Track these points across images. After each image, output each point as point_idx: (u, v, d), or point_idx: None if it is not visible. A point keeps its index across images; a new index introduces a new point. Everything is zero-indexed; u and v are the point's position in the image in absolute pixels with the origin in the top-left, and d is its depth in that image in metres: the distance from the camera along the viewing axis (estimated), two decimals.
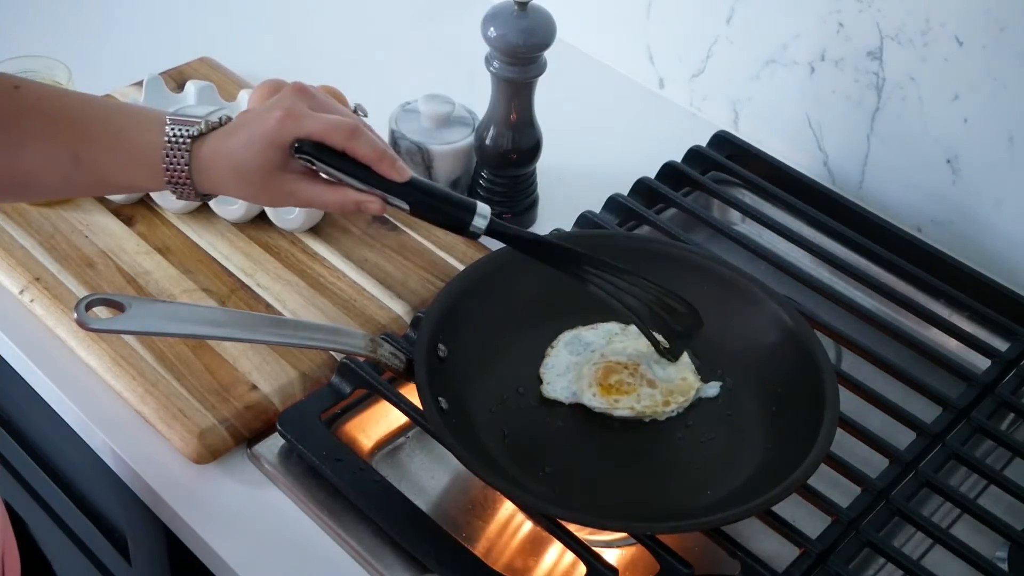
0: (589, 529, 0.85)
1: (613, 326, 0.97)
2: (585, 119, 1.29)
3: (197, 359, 0.94)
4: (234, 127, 0.81)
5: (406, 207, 0.82)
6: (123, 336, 0.94)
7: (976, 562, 0.86)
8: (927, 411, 0.96)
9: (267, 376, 0.94)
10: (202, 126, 0.80)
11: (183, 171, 0.80)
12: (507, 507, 0.89)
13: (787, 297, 0.98)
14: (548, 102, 1.10)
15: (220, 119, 0.81)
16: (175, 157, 0.79)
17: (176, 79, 1.20)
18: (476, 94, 1.13)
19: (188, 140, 0.79)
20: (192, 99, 1.14)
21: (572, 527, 0.83)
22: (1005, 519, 0.89)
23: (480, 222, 0.83)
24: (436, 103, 1.12)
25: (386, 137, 1.13)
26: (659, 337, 0.92)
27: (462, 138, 1.12)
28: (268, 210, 1.05)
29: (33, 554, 1.33)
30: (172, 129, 0.79)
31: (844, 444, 0.91)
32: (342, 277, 1.03)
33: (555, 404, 0.92)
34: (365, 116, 0.88)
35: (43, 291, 0.98)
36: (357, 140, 0.80)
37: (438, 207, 0.83)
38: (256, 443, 0.91)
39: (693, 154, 1.19)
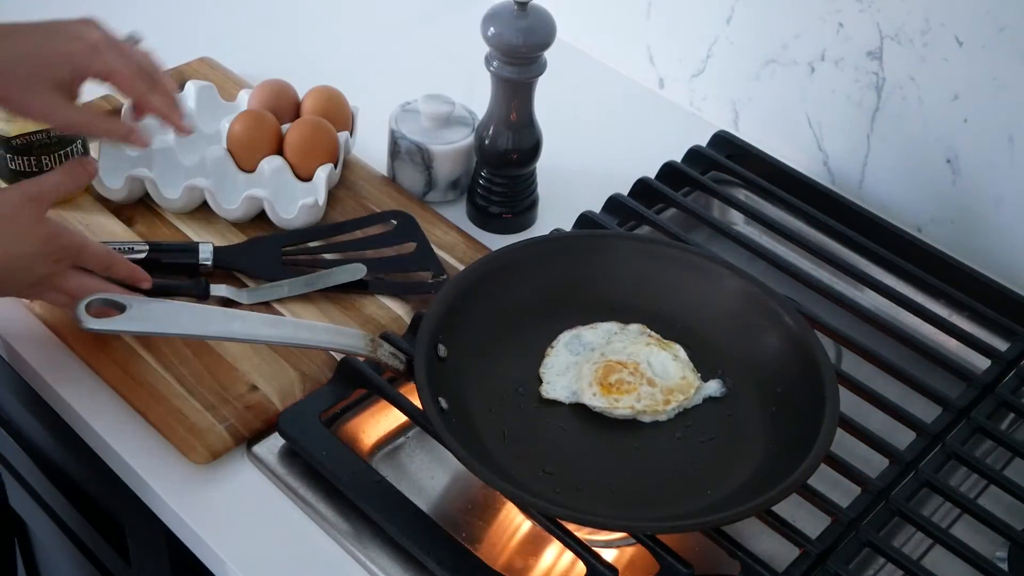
0: (589, 529, 0.85)
1: (612, 326, 0.97)
2: (585, 119, 1.29)
3: (197, 359, 0.94)
4: (5, 29, 0.78)
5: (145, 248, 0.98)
6: (123, 336, 0.94)
7: (976, 562, 0.86)
8: (927, 411, 0.96)
9: (267, 376, 0.94)
10: None
11: None
12: (507, 507, 0.89)
13: (787, 297, 0.98)
14: (548, 102, 1.10)
15: None
16: None
17: (176, 79, 1.20)
18: (476, 94, 1.13)
19: None
20: (192, 99, 1.14)
21: (572, 527, 0.83)
22: (1005, 519, 0.89)
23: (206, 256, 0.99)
24: (436, 103, 1.12)
25: (386, 137, 1.13)
26: None
27: (462, 138, 1.12)
28: (267, 209, 1.05)
29: (33, 554, 1.33)
30: None
31: (844, 444, 0.91)
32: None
33: (555, 404, 0.92)
34: (137, 43, 0.91)
35: None
36: (153, 92, 0.83)
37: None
38: (256, 443, 0.91)
39: (693, 154, 1.19)
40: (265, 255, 1.03)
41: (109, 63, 0.78)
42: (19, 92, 0.78)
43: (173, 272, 1.00)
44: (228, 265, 1.01)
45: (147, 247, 0.99)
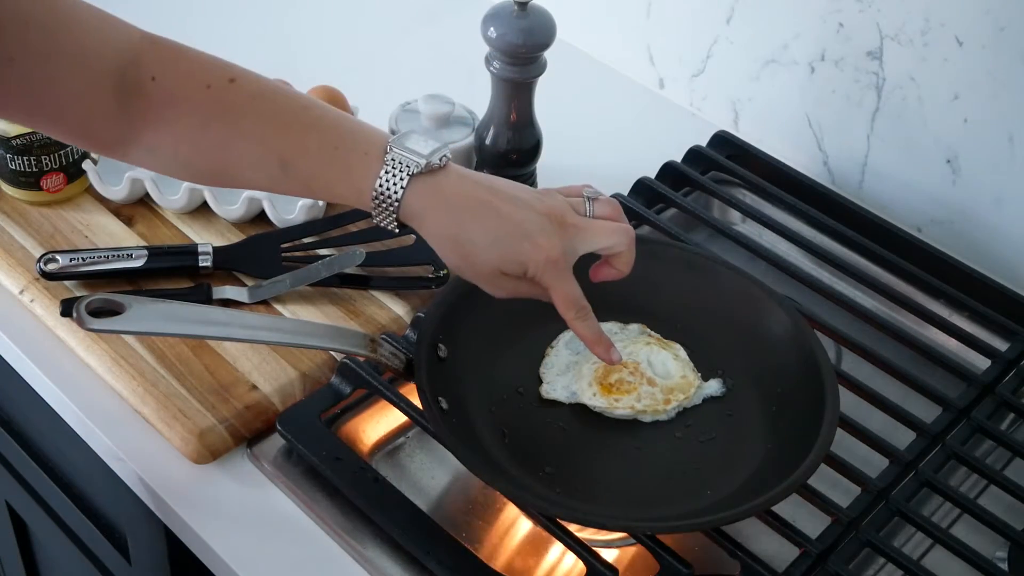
0: (589, 529, 0.85)
1: (612, 325, 0.97)
2: (585, 119, 1.29)
3: (197, 359, 0.94)
4: (480, 204, 0.79)
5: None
6: (123, 336, 0.94)
7: (976, 562, 0.86)
8: (927, 411, 0.96)
9: (267, 376, 0.94)
10: (422, 165, 0.78)
11: (392, 204, 0.79)
12: (507, 507, 0.89)
13: (787, 297, 0.98)
14: (548, 102, 1.10)
15: (441, 159, 0.80)
16: (388, 188, 0.78)
17: None
18: (476, 94, 1.13)
19: (406, 176, 0.78)
20: None
21: (572, 527, 0.83)
22: (1005, 519, 0.89)
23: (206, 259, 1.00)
24: (436, 103, 1.12)
25: None
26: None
27: (462, 138, 1.12)
28: (267, 209, 1.05)
29: (33, 554, 1.33)
30: (392, 158, 0.78)
31: (844, 444, 0.91)
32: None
33: (555, 404, 0.92)
34: None
35: (43, 291, 0.98)
36: (583, 320, 0.83)
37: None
38: (256, 443, 0.91)
39: (693, 154, 1.19)
40: (264, 253, 1.03)
41: (553, 283, 0.81)
42: (471, 270, 0.82)
43: (173, 275, 1.00)
44: (228, 265, 1.01)
45: (146, 253, 0.99)
